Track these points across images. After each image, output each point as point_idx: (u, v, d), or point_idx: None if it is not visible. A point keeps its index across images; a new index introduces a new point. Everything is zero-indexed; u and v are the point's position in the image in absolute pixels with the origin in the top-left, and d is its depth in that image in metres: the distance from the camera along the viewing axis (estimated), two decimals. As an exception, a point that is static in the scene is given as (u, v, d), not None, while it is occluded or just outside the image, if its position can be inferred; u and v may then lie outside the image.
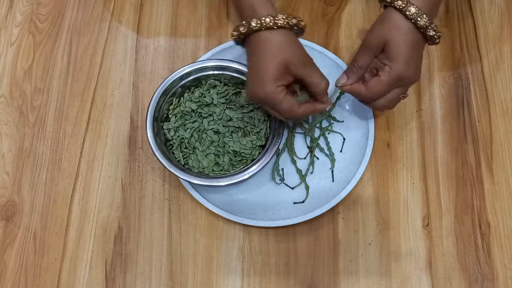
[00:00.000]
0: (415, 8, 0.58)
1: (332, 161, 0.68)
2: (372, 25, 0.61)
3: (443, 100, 0.72)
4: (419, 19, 0.58)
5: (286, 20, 0.58)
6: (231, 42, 0.72)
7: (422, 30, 0.59)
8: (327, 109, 0.70)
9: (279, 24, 0.57)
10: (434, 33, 0.59)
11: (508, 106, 0.72)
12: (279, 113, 0.61)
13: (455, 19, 0.77)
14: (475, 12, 0.78)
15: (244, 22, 0.59)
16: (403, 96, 0.64)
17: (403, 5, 0.58)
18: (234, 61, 0.67)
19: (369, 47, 0.61)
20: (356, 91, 0.63)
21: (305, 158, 0.69)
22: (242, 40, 0.61)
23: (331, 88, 0.71)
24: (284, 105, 0.59)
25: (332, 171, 0.68)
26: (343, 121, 0.70)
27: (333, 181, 0.67)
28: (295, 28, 0.59)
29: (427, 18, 0.58)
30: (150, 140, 0.63)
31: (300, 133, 0.70)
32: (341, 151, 0.69)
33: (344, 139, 0.69)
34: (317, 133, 0.70)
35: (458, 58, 0.75)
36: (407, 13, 0.58)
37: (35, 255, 0.67)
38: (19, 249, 0.67)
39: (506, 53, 0.75)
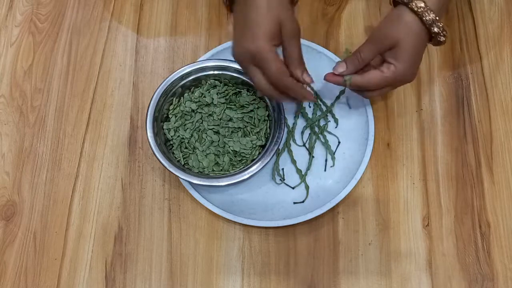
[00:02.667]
0: (433, 14, 0.57)
1: (332, 159, 0.68)
2: (383, 21, 0.60)
3: (443, 100, 0.72)
4: (434, 25, 0.57)
5: None
6: (231, 42, 0.72)
7: (433, 35, 0.59)
8: (327, 106, 0.71)
9: None
10: (444, 39, 0.59)
11: (508, 106, 0.72)
12: (266, 75, 0.57)
13: (455, 19, 0.77)
14: (475, 12, 0.78)
15: None
16: None
17: (421, 9, 0.57)
18: (234, 61, 0.67)
19: (378, 43, 0.60)
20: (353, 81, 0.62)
21: (304, 146, 0.69)
22: None
23: (319, 85, 0.71)
24: (273, 67, 0.56)
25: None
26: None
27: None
28: None
29: (441, 25, 0.58)
30: (150, 140, 0.63)
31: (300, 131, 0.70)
32: (340, 152, 0.69)
33: (339, 142, 0.69)
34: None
35: (458, 58, 0.75)
36: (425, 18, 0.57)
37: (35, 255, 0.67)
38: (19, 249, 0.67)
39: (506, 53, 0.75)
